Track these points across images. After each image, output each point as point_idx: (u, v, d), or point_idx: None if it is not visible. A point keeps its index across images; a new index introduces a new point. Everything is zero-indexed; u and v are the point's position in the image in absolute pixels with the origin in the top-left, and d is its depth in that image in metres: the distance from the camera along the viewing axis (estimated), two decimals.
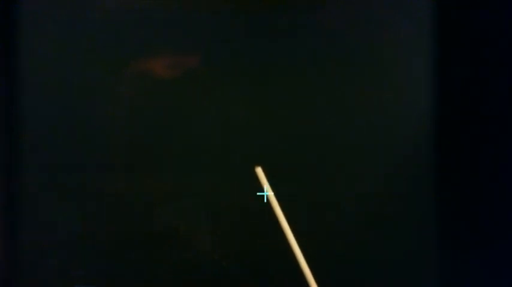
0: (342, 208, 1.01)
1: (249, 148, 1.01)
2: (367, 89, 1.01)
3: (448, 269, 1.00)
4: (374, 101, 1.01)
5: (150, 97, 1.01)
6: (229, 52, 1.01)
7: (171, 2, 1.02)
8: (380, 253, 1.01)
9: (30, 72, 1.01)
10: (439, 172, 1.01)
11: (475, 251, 1.00)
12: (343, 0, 1.02)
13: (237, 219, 1.00)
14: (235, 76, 1.02)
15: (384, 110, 1.02)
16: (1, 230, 1.01)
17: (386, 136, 1.01)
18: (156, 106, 1.01)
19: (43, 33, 1.01)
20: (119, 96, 1.01)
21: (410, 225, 1.01)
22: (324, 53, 1.02)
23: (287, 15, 1.02)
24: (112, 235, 1.00)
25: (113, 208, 1.00)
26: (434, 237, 1.01)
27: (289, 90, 1.01)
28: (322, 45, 1.02)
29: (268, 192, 0.77)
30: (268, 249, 0.98)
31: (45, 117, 1.01)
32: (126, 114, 1.01)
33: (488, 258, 0.99)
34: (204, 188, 1.00)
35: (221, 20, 1.02)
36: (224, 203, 1.00)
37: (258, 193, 0.77)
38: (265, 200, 0.76)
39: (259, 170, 0.78)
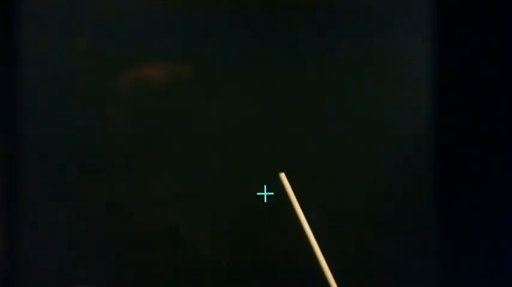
0: (341, 207, 1.01)
1: (249, 148, 1.01)
2: (367, 89, 1.01)
3: (448, 269, 1.00)
4: (374, 101, 1.01)
5: (150, 97, 1.01)
6: (230, 52, 1.01)
7: (172, 2, 1.02)
8: (380, 253, 1.01)
9: (30, 72, 1.01)
10: (439, 172, 1.01)
11: (475, 251, 1.00)
12: (343, 0, 1.02)
13: (237, 219, 1.00)
14: (236, 76, 1.02)
15: (383, 110, 1.02)
16: (1, 230, 1.01)
17: (386, 136, 1.01)
18: (156, 106, 1.01)
19: (43, 33, 1.01)
20: (119, 96, 1.01)
21: (410, 225, 1.01)
22: (323, 53, 1.02)
23: (287, 15, 1.01)
24: (112, 235, 1.00)
25: (113, 208, 1.00)
26: (434, 237, 1.01)
27: (289, 91, 1.01)
28: (321, 45, 1.02)
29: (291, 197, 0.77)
30: (268, 249, 0.98)
31: (45, 117, 1.01)
32: (126, 114, 1.01)
33: (488, 258, 0.99)
34: (204, 188, 1.00)
35: (221, 20, 1.02)
36: (224, 203, 1.00)
37: (258, 193, 0.78)
38: (265, 200, 0.77)
39: (283, 176, 0.77)
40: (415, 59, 1.02)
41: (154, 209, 1.01)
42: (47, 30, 1.01)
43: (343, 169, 1.01)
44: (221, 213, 1.00)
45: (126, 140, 1.01)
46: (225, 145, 1.01)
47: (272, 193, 0.76)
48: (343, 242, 1.01)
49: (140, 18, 1.01)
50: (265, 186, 0.78)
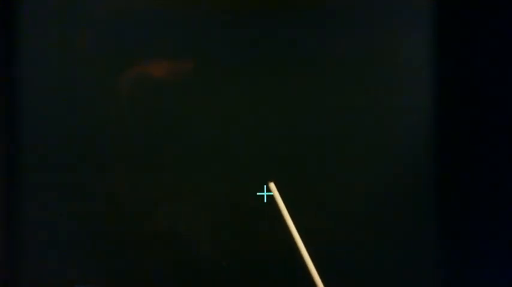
0: (342, 207, 1.01)
1: (250, 148, 1.01)
2: (367, 89, 1.01)
3: (448, 269, 1.00)
4: (374, 101, 1.01)
5: (150, 97, 1.01)
6: (230, 52, 1.01)
7: (172, 2, 1.02)
8: (380, 253, 1.01)
9: (30, 72, 1.01)
10: (439, 172, 1.01)
11: (475, 251, 1.00)
12: (343, 0, 1.02)
13: (237, 219, 1.00)
14: (236, 76, 1.02)
15: (383, 110, 1.02)
16: (1, 230, 1.01)
17: (386, 136, 1.01)
18: (156, 106, 1.01)
19: (43, 33, 1.01)
20: (119, 96, 1.01)
21: (410, 225, 1.01)
22: (323, 54, 1.02)
23: (287, 15, 1.01)
24: (112, 235, 1.00)
25: (113, 208, 1.00)
26: (434, 237, 1.01)
27: (289, 91, 1.01)
28: (321, 45, 1.02)
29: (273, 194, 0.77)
30: (268, 249, 0.98)
31: (45, 117, 1.01)
32: (127, 114, 1.01)
33: (488, 258, 0.99)
34: (204, 188, 1.00)
35: (221, 21, 1.02)
36: (224, 203, 1.00)
37: (258, 193, 0.77)
38: (265, 200, 0.77)
39: (272, 186, 0.77)
40: (415, 59, 1.02)
41: (154, 209, 1.01)
42: (47, 30, 1.01)
43: (343, 169, 1.01)
44: (221, 213, 1.00)
45: (126, 140, 1.01)
46: (225, 145, 1.01)
47: (272, 193, 0.76)
48: (343, 242, 1.01)
49: (140, 19, 1.01)
50: (265, 186, 0.78)
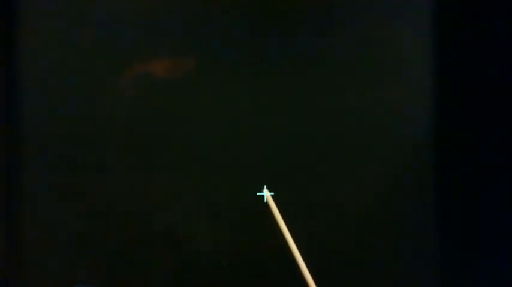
0: (342, 208, 1.01)
1: (250, 147, 1.01)
2: (367, 90, 1.01)
3: (448, 269, 1.00)
4: (374, 101, 1.01)
5: (150, 97, 1.01)
6: (230, 52, 1.01)
7: (172, 2, 1.02)
8: (380, 253, 1.01)
9: (30, 72, 1.01)
10: (439, 172, 1.01)
11: (475, 251, 1.00)
12: (343, 1, 1.02)
13: (237, 219, 1.00)
14: (236, 76, 1.02)
15: (383, 110, 1.02)
16: (1, 230, 1.01)
17: (386, 136, 1.01)
18: (156, 106, 1.01)
19: (43, 33, 1.01)
20: (119, 96, 1.01)
21: (410, 225, 1.01)
22: (323, 54, 1.02)
23: (287, 15, 1.01)
24: (112, 235, 1.00)
25: (113, 208, 1.00)
26: (434, 237, 1.01)
27: (289, 91, 1.01)
28: (321, 45, 1.02)
29: (266, 194, 0.77)
30: (268, 249, 0.97)
31: (45, 117, 1.01)
32: (126, 114, 1.01)
33: (488, 258, 0.99)
34: (204, 188, 1.00)
35: (222, 21, 1.02)
36: (224, 203, 1.00)
37: (258, 193, 0.77)
38: (265, 200, 0.77)
39: (269, 198, 0.78)
40: (415, 59, 1.02)
41: (154, 209, 1.01)
42: (47, 30, 1.01)
43: (344, 169, 1.01)
44: (221, 213, 1.01)
45: (126, 140, 1.01)
46: (225, 145, 1.01)
47: (272, 193, 0.76)
48: (342, 243, 1.01)
49: (140, 19, 1.01)
50: (265, 186, 0.78)
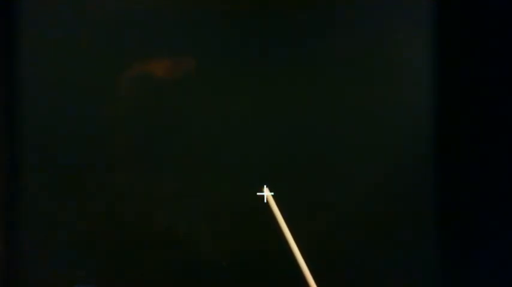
0: (342, 208, 1.01)
1: (250, 147, 1.01)
2: (367, 90, 1.01)
3: (448, 269, 1.00)
4: (374, 101, 1.01)
5: (150, 97, 1.01)
6: (230, 53, 1.01)
7: (172, 2, 1.02)
8: (380, 253, 1.01)
9: (30, 72, 1.01)
10: (439, 172, 1.01)
11: (475, 251, 1.00)
12: (343, 1, 1.02)
13: (237, 219, 1.00)
14: (236, 76, 1.02)
15: (384, 110, 1.02)
16: (1, 230, 1.01)
17: (386, 136, 1.01)
18: (156, 106, 1.01)
19: (43, 33, 1.01)
20: (119, 96, 1.01)
21: (410, 225, 1.01)
22: (324, 54, 1.02)
23: (287, 16, 1.01)
24: (112, 235, 1.00)
25: (113, 208, 1.00)
26: (434, 237, 1.01)
27: (289, 91, 1.01)
28: (321, 45, 1.02)
29: (265, 194, 0.77)
30: (268, 249, 0.97)
31: (45, 117, 1.01)
32: (126, 115, 1.01)
33: (488, 258, 0.99)
34: (204, 188, 1.00)
35: (222, 21, 1.02)
36: (224, 203, 1.00)
37: (258, 193, 0.77)
38: (265, 201, 0.77)
39: (270, 197, 0.78)
40: (415, 59, 1.02)
41: (154, 209, 1.01)
42: (47, 30, 1.01)
43: (343, 169, 1.01)
44: (221, 213, 1.00)
45: (126, 140, 1.01)
46: (225, 145, 1.01)
47: (272, 193, 0.76)
48: (342, 242, 1.01)
49: (140, 19, 1.01)
50: (265, 186, 0.78)
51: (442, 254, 1.00)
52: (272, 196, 0.78)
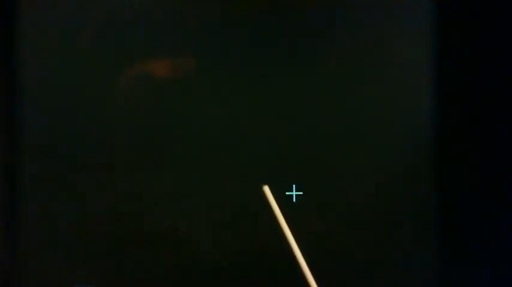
0: (342, 207, 1.01)
1: (250, 147, 1.01)
2: (367, 90, 1.01)
3: (448, 269, 1.00)
4: (374, 102, 1.01)
5: (150, 97, 1.01)
6: (230, 52, 1.01)
7: (172, 2, 1.02)
8: (380, 253, 1.01)
9: (30, 72, 1.01)
10: (439, 172, 1.01)
11: (475, 251, 1.00)
12: (342, 1, 1.02)
13: (237, 219, 1.00)
14: (236, 76, 1.02)
15: (384, 110, 1.02)
16: (1, 231, 1.01)
17: (386, 136, 1.01)
18: (156, 106, 1.01)
19: (43, 33, 1.01)
20: (119, 96, 1.01)
21: (410, 225, 1.01)
22: (324, 54, 1.02)
23: (287, 16, 1.02)
24: (112, 235, 1.00)
25: (113, 208, 1.00)
26: (434, 237, 1.01)
27: (289, 91, 1.01)
28: (321, 45, 1.02)
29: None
30: (268, 249, 0.98)
31: (45, 117, 1.01)
32: (126, 114, 1.01)
33: (488, 258, 0.99)
34: (204, 188, 1.00)
35: (222, 20, 1.02)
36: (224, 203, 1.00)
37: (286, 193, 0.77)
38: (293, 199, 0.76)
39: (266, 189, 0.78)
40: (415, 59, 1.02)
41: (154, 209, 1.01)
42: (47, 30, 1.01)
43: (343, 169, 1.01)
44: (221, 213, 1.00)
45: (126, 140, 1.01)
46: (226, 145, 1.01)
47: (301, 193, 0.76)
48: (343, 242, 1.01)
49: (140, 19, 1.01)
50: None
51: (442, 254, 1.00)
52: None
